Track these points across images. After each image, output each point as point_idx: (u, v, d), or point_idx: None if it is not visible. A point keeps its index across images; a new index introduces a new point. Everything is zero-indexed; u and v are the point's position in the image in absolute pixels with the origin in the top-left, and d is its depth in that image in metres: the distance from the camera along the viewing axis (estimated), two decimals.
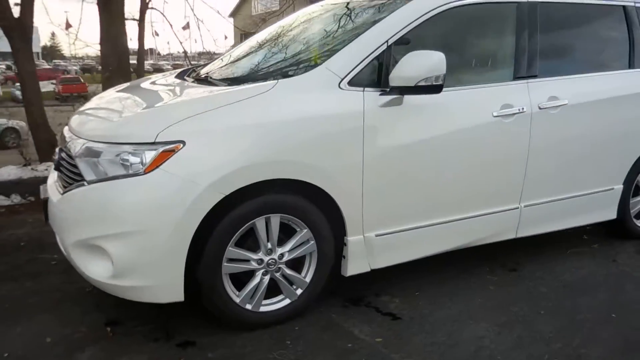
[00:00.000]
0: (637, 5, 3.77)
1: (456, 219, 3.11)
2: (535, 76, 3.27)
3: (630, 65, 3.70)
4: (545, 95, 3.26)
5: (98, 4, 7.31)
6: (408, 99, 2.81)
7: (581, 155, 3.48)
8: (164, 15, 8.12)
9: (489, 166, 3.14)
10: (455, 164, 3.01)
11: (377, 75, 2.79)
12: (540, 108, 3.23)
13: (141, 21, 7.65)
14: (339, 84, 2.70)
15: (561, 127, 3.34)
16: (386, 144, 2.78)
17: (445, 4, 2.98)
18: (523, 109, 3.16)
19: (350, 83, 2.72)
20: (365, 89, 2.74)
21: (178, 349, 2.53)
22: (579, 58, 3.54)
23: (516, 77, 3.22)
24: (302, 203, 2.67)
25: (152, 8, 7.63)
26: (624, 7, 3.69)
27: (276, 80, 2.68)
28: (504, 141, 3.15)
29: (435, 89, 2.70)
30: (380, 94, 2.76)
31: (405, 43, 2.86)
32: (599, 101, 3.48)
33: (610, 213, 3.80)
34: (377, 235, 2.87)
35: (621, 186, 3.76)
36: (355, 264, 2.88)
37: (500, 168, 3.18)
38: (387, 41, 2.81)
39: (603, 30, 3.66)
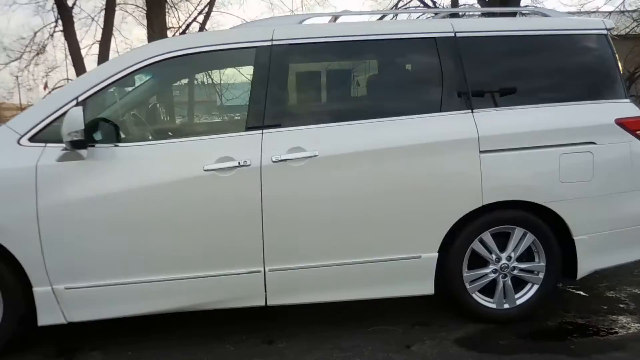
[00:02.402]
0: (460, 34, 3.10)
1: (171, 279, 2.92)
2: (277, 126, 2.94)
3: (442, 108, 3.05)
4: (285, 146, 2.91)
5: None
6: (95, 152, 2.83)
7: (351, 216, 2.96)
8: None
9: (204, 224, 2.89)
10: (156, 220, 2.86)
11: None
12: (274, 161, 2.88)
13: None
14: (19, 140, 2.85)
15: (313, 183, 2.92)
16: (64, 199, 2.81)
17: (152, 57, 2.93)
18: (246, 162, 2.87)
19: (33, 139, 2.85)
20: (48, 144, 2.84)
21: None
22: (352, 104, 3.10)
23: (249, 128, 2.95)
24: None
25: None
26: (435, 39, 3.08)
27: None
28: (222, 198, 2.89)
29: (79, 144, 2.69)
30: (62, 150, 2.83)
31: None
32: (372, 152, 2.95)
33: (425, 287, 3.10)
34: (67, 288, 2.88)
35: (435, 254, 3.05)
36: (46, 315, 2.91)
37: (220, 226, 2.90)
38: (76, 98, 2.88)
39: (394, 68, 3.10)
